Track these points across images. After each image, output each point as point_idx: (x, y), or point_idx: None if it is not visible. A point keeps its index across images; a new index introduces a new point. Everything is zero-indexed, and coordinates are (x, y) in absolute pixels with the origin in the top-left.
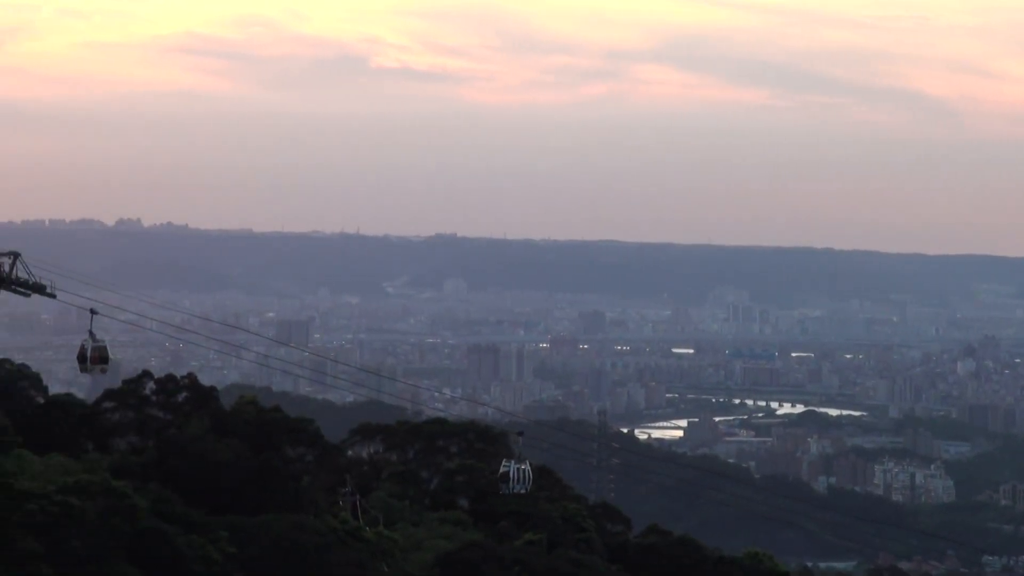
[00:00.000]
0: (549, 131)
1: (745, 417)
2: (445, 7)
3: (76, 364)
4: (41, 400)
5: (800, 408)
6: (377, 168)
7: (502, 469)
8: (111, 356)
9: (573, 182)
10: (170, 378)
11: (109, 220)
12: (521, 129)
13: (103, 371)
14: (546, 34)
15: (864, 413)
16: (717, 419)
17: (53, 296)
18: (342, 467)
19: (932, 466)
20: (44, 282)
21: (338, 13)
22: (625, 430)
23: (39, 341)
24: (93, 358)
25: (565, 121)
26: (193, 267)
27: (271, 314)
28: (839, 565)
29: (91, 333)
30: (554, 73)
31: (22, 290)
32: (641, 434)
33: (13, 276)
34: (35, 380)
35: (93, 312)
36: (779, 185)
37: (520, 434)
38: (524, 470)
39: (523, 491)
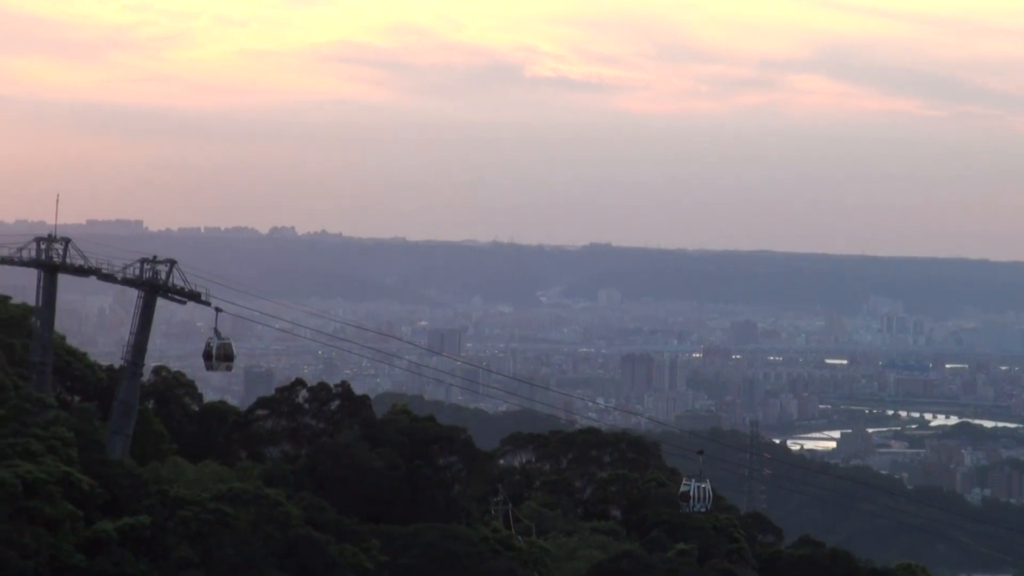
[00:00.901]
0: (703, 140)
1: (898, 428)
2: (600, 16)
3: (231, 373)
4: (196, 408)
5: (954, 420)
6: (531, 177)
7: (682, 488)
8: (235, 354)
9: (727, 192)
10: (323, 386)
11: (263, 228)
12: (675, 138)
13: (228, 368)
14: (701, 43)
15: (1020, 425)
16: (870, 430)
17: (208, 304)
18: (494, 476)
19: None
20: (199, 290)
21: (493, 22)
22: (777, 441)
23: (194, 348)
24: (219, 355)
25: (719, 130)
26: (346, 275)
27: (424, 323)
28: None
29: (216, 331)
30: (708, 82)
31: (178, 298)
32: (793, 445)
33: (170, 284)
34: (190, 387)
35: (218, 310)
36: (933, 195)
37: (700, 453)
38: (704, 488)
39: (703, 510)
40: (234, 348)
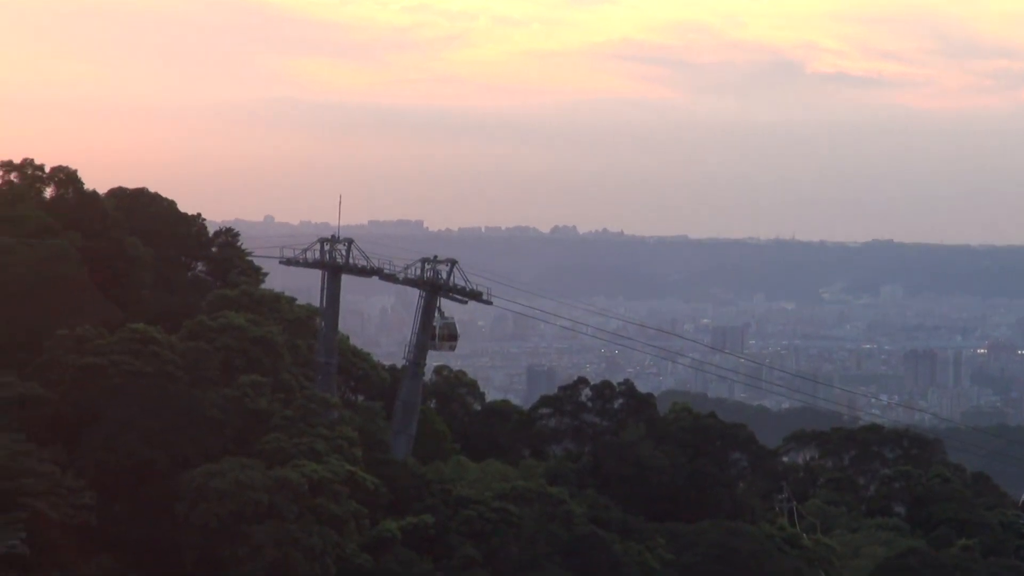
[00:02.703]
0: (986, 136)
1: None
2: (883, 11)
3: (514, 371)
4: (478, 407)
5: None
6: (812, 173)
7: None
8: (459, 333)
9: (1011, 186)
10: (606, 384)
11: (544, 227)
12: (957, 134)
13: (452, 348)
14: (985, 38)
15: None
16: None
17: (489, 303)
18: (778, 473)
19: None
20: (480, 289)
21: (775, 19)
22: None
23: (475, 348)
24: (443, 335)
25: (1003, 126)
26: (628, 273)
27: (707, 320)
28: None
29: (439, 310)
30: (992, 77)
31: (459, 297)
32: None
33: (451, 284)
34: (472, 386)
35: (440, 298)
36: None
37: None
38: None
39: None
40: (458, 328)
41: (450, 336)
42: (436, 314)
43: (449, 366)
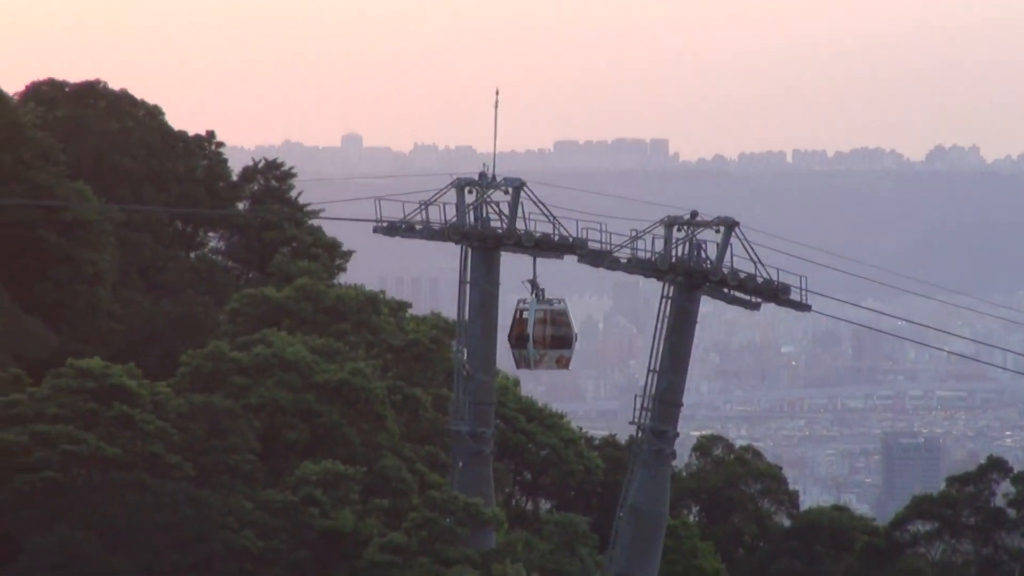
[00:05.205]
0: None
1: None
2: None
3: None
4: (786, 520)
5: None
6: None
7: None
8: (575, 333)
9: None
10: None
11: (915, 152)
12: None
13: (562, 363)
14: None
15: None
16: None
17: (806, 307)
18: None
19: None
20: (785, 280)
21: None
22: None
23: (778, 398)
24: (540, 336)
25: None
26: None
27: None
28: None
29: (534, 285)
30: None
31: (745, 296)
32: None
33: (726, 267)
34: (774, 478)
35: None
36: None
37: None
38: None
39: None
40: (573, 322)
41: (558, 339)
42: (529, 294)
43: (726, 437)
